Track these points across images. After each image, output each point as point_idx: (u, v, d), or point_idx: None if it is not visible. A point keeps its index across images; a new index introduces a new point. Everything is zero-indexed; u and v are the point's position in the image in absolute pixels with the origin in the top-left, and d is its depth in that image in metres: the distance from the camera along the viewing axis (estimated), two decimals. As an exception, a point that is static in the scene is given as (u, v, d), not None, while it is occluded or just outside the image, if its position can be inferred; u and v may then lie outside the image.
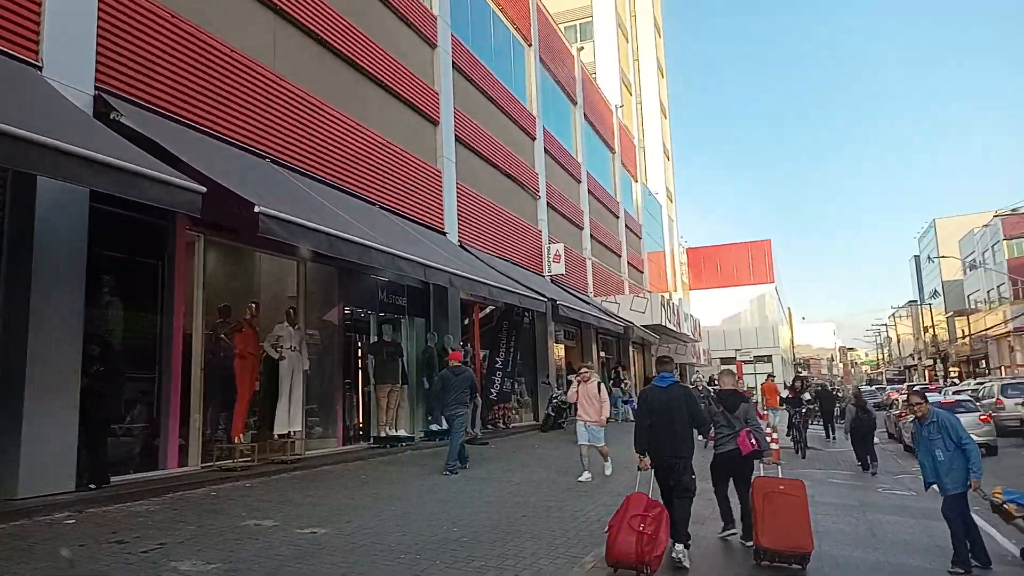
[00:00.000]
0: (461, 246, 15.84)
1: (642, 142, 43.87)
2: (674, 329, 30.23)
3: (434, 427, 13.54)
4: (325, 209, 9.50)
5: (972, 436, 17.00)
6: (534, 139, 22.00)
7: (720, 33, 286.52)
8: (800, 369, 74.25)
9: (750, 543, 6.44)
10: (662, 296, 29.94)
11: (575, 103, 27.27)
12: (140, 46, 8.28)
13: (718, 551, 6.80)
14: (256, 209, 7.05)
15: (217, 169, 7.72)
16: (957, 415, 17.22)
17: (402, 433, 12.88)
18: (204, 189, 6.57)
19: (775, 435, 15.06)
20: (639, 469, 6.24)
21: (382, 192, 13.20)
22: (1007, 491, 6.60)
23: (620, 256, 32.02)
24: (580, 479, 9.80)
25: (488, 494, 8.67)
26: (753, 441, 6.68)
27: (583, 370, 10.70)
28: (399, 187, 13.81)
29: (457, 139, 16.40)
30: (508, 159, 19.60)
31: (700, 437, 8.07)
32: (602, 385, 10.70)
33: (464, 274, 11.71)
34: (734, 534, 6.96)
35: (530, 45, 22.52)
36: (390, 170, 13.56)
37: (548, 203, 22.46)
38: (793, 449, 15.91)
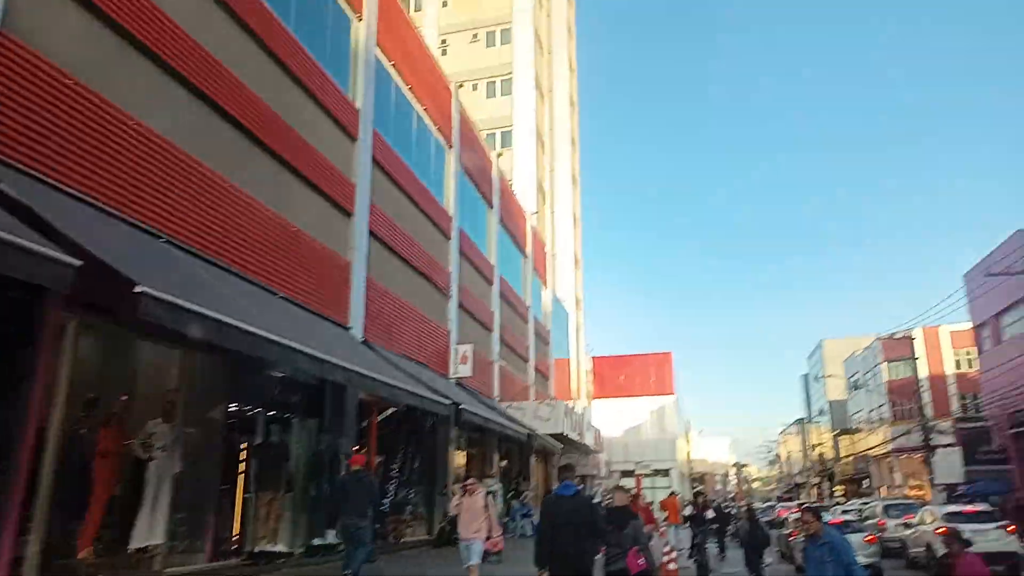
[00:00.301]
0: (365, 342, 15.12)
1: (554, 249, 44.88)
2: (577, 439, 29.86)
3: (317, 541, 12.32)
4: (221, 295, 8.74)
5: (860, 557, 17.13)
6: (449, 238, 21.89)
7: (635, 140, 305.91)
8: (696, 484, 75.07)
9: None
10: (567, 404, 29.70)
11: (491, 206, 27.61)
12: (32, 110, 7.57)
13: None
14: (136, 288, 6.30)
15: (100, 244, 6.95)
16: (845, 535, 17.69)
17: (281, 548, 11.59)
18: (79, 263, 5.86)
19: (674, 555, 14.61)
20: None
21: (287, 281, 12.48)
22: None
23: (527, 361, 31.80)
24: None
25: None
26: (641, 561, 6.62)
27: (470, 481, 9.96)
28: (305, 277, 13.14)
29: (370, 232, 15.99)
30: (421, 256, 19.30)
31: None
32: (491, 499, 9.97)
33: (364, 371, 10.98)
34: None
35: (451, 147, 22.80)
36: (297, 259, 12.91)
37: (459, 303, 22.13)
38: (696, 572, 15.12)
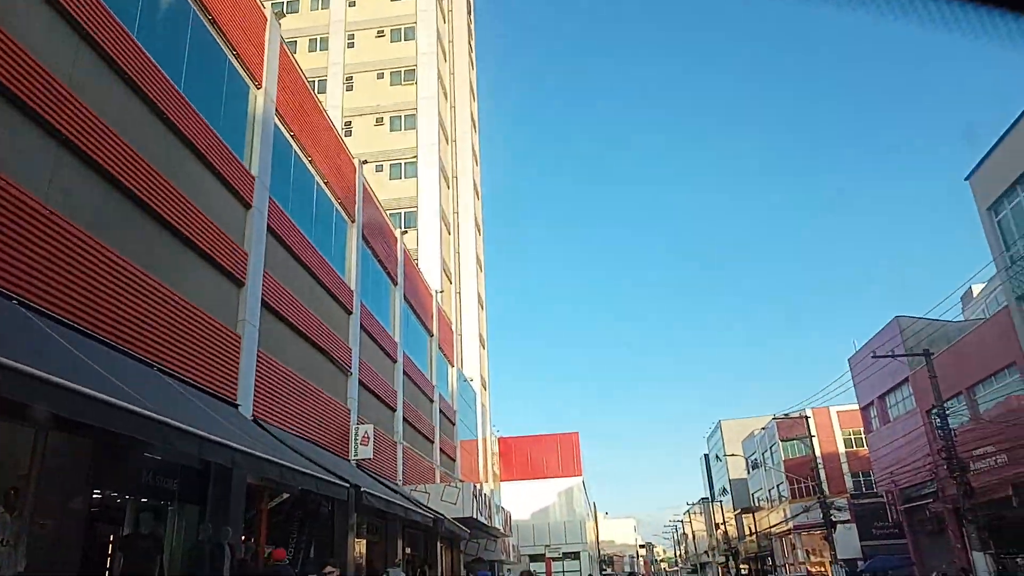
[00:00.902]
0: (255, 421, 14.06)
1: (459, 330, 44.50)
2: (486, 522, 28.73)
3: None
4: (82, 364, 7.83)
5: None
6: (351, 313, 21.17)
7: (537, 231, 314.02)
8: (605, 567, 73.78)
9: None
10: (474, 486, 28.67)
11: (396, 283, 27.14)
12: None
13: None
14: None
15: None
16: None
17: (148, 656, 10.16)
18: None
19: None
20: None
21: (166, 354, 11.48)
22: None
23: (433, 442, 30.73)
24: None
25: None
26: None
27: (327, 570, 8.21)
28: (188, 350, 12.15)
29: (264, 304, 15.17)
30: (320, 331, 18.47)
31: None
32: None
33: (250, 451, 10.05)
34: None
35: (353, 221, 22.40)
36: (179, 330, 11.95)
37: (360, 381, 21.22)
38: None
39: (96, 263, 10.00)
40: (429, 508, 23.01)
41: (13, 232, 8.50)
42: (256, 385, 14.46)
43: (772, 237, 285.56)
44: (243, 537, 13.57)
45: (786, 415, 43.52)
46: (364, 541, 20.75)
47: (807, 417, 41.88)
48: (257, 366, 14.58)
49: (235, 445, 9.58)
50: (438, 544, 28.37)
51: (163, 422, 7.80)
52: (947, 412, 24.32)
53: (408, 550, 24.64)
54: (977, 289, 40.64)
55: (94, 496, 10.36)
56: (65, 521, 9.79)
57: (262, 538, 14.89)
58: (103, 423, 7.06)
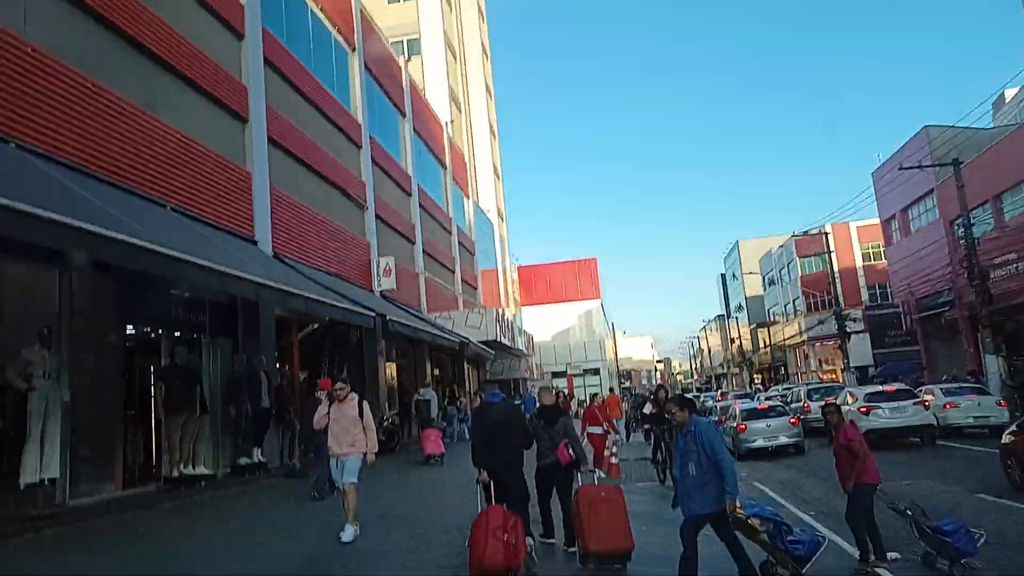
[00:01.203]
0: (276, 257, 14.26)
1: (472, 161, 43.78)
2: (509, 344, 29.97)
3: (243, 461, 11.87)
4: (88, 204, 7.78)
5: (782, 438, 17.66)
6: (360, 147, 20.74)
7: (548, 52, 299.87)
8: (624, 381, 77.87)
9: (571, 549, 6.88)
10: (496, 311, 29.59)
11: (404, 115, 26.32)
12: None
13: (544, 556, 6.92)
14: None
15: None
16: (769, 419, 18.47)
17: (202, 471, 11.06)
18: None
19: (615, 450, 14.64)
20: (477, 482, 6.69)
21: (178, 193, 11.42)
22: (748, 505, 6.03)
23: (454, 272, 31.35)
24: (343, 538, 7.16)
25: (309, 542, 7.37)
26: (570, 452, 7.09)
27: (338, 386, 7.65)
28: (200, 189, 12.07)
29: (271, 140, 14.82)
30: (331, 165, 18.21)
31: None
32: (366, 406, 7.71)
33: (274, 284, 10.25)
34: (552, 543, 7.25)
35: (354, 50, 21.30)
36: (189, 169, 11.80)
37: (377, 215, 21.24)
38: (658, 477, 12.70)
39: (92, 101, 9.67)
40: (454, 333, 23.92)
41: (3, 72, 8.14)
42: (273, 222, 14.51)
43: (800, 46, 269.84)
44: (277, 365, 14.27)
45: (805, 232, 43.31)
46: (394, 365, 21.84)
47: (826, 233, 41.75)
48: (272, 202, 14.54)
49: (257, 279, 9.76)
50: (464, 365, 29.83)
51: (186, 260, 7.88)
52: (971, 222, 24.00)
53: (436, 372, 25.99)
54: (1010, 94, 38.57)
55: (128, 332, 10.78)
56: (103, 355, 10.28)
57: (295, 366, 15.67)
58: (115, 260, 7.11)
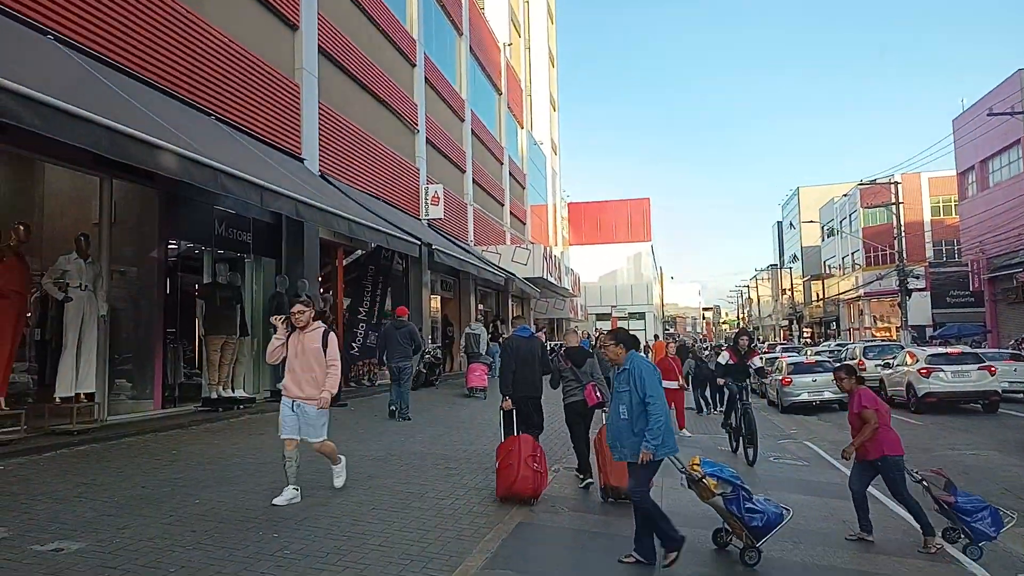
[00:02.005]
0: (322, 176, 13.66)
1: (529, 88, 42.19)
2: (555, 283, 29.28)
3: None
4: (126, 104, 7.18)
5: (827, 394, 16.81)
6: (414, 65, 19.77)
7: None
8: (668, 327, 76.87)
9: (582, 476, 7.26)
10: (544, 248, 28.81)
11: (461, 33, 25.08)
12: None
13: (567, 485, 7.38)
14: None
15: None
16: (815, 374, 17.59)
17: (241, 394, 10.79)
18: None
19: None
20: (501, 408, 7.28)
21: (222, 102, 10.78)
22: (707, 463, 5.33)
23: (503, 205, 30.51)
24: (276, 501, 5.64)
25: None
26: (598, 394, 7.01)
27: (296, 310, 5.93)
28: (245, 99, 11.40)
29: (321, 51, 14.02)
30: (383, 83, 17.34)
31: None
32: (332, 337, 6.01)
33: (313, 202, 9.62)
34: (591, 483, 7.17)
35: (411, -41, 20.08)
36: (235, 76, 11.12)
37: (428, 139, 20.43)
38: (730, 445, 10.56)
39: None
40: (500, 267, 23.30)
41: (30, -47, 7.48)
42: (320, 139, 13.85)
43: None
44: (320, 289, 13.86)
45: (873, 181, 40.98)
46: (438, 297, 21.41)
47: (896, 183, 39.48)
48: (320, 119, 13.85)
49: (297, 195, 9.15)
50: (509, 301, 29.32)
51: (216, 168, 7.27)
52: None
53: (480, 306, 25.53)
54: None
55: (170, 247, 10.37)
56: (144, 269, 9.93)
57: (339, 292, 15.27)
58: (149, 165, 6.53)
